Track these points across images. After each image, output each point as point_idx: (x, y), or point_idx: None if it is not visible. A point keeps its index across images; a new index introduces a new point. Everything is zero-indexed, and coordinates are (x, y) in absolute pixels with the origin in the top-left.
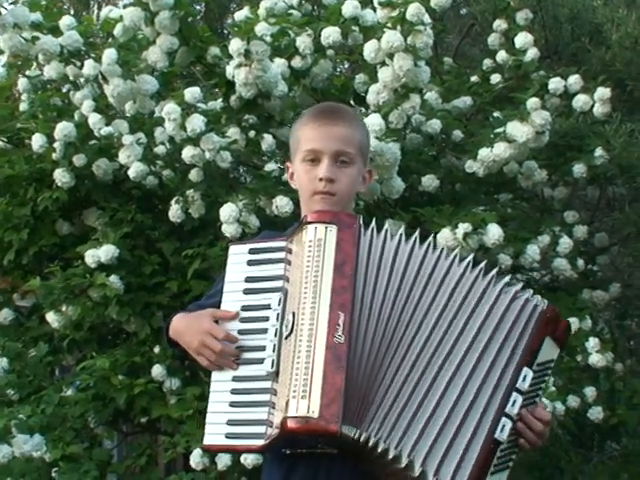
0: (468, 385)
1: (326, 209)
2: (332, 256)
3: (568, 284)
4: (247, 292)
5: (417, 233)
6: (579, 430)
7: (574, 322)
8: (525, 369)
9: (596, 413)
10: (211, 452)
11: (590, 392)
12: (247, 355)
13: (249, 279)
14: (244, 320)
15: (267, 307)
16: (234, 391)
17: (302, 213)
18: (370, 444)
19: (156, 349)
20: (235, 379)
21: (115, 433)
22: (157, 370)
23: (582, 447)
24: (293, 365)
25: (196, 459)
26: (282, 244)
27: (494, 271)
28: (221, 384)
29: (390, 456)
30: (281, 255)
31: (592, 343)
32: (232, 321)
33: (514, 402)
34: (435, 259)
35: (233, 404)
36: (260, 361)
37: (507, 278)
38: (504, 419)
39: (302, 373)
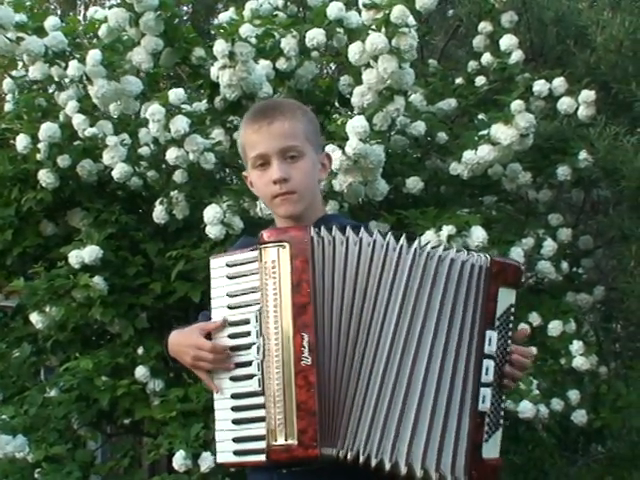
0: (436, 371)
1: (289, 211)
2: (288, 276)
3: (552, 287)
4: (231, 307)
5: (362, 228)
6: (563, 433)
7: (558, 325)
8: (489, 332)
9: (580, 416)
10: (227, 467)
11: (574, 395)
12: (239, 371)
13: (230, 294)
14: (232, 336)
15: (248, 322)
16: (234, 408)
17: (274, 218)
18: (350, 458)
19: (140, 350)
20: (233, 396)
21: (98, 434)
22: (140, 371)
23: (567, 450)
24: (270, 393)
25: (179, 461)
26: (254, 254)
27: (428, 246)
28: (222, 402)
29: (373, 464)
30: (254, 266)
31: (576, 346)
32: (222, 331)
33: (487, 369)
34: (383, 254)
35: (235, 421)
36: (250, 377)
37: (441, 247)
38: (483, 389)
39: (276, 402)
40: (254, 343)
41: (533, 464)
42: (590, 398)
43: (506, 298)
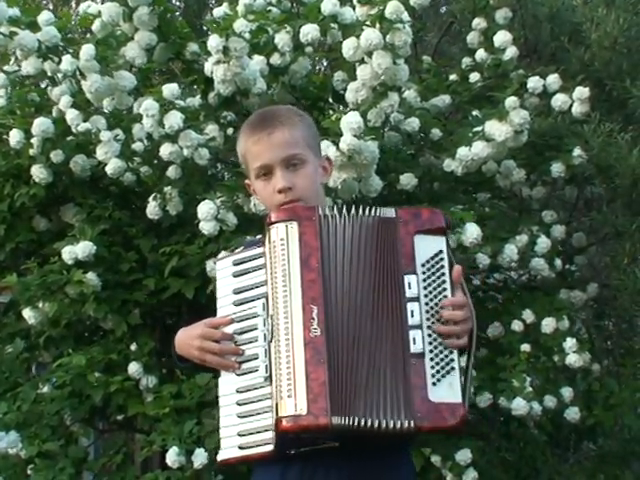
0: (373, 328)
1: (275, 209)
2: (297, 252)
3: (546, 284)
4: (237, 304)
5: (354, 207)
6: (556, 430)
7: (551, 322)
8: (407, 277)
9: (573, 413)
10: (228, 465)
11: (567, 392)
12: (245, 365)
13: (236, 291)
14: (238, 332)
15: (255, 315)
16: (240, 402)
17: None
18: (361, 425)
19: (133, 346)
20: (239, 390)
21: (91, 430)
22: (133, 368)
23: (559, 447)
24: (279, 365)
25: (172, 457)
26: (260, 250)
27: (361, 211)
28: (227, 398)
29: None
30: (261, 262)
31: (569, 343)
32: (228, 327)
33: (412, 312)
34: (357, 229)
35: (241, 415)
36: (256, 369)
37: (364, 210)
38: (412, 332)
39: (285, 373)
40: (262, 332)
41: (525, 461)
42: (583, 395)
43: (429, 244)
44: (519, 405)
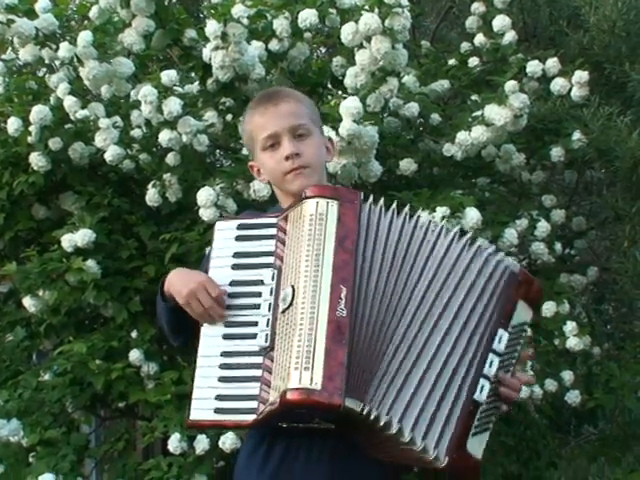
0: (448, 350)
1: (304, 185)
2: (334, 230)
3: (546, 268)
4: (236, 267)
5: (407, 209)
6: (556, 414)
7: (552, 306)
8: (500, 331)
9: (573, 397)
10: (197, 428)
11: (568, 376)
12: (237, 330)
13: (237, 254)
14: (233, 296)
15: (259, 282)
16: (223, 366)
17: (281, 202)
18: (371, 417)
19: (134, 334)
20: (224, 354)
21: (93, 418)
22: (135, 355)
23: (559, 431)
24: (294, 337)
25: (174, 443)
26: (273, 220)
27: (468, 236)
28: (208, 359)
29: (381, 423)
30: (272, 231)
31: (570, 327)
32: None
33: (491, 363)
34: (423, 232)
35: (222, 379)
36: (252, 336)
37: (480, 242)
38: (482, 380)
39: (305, 345)
40: (266, 302)
41: (526, 445)
42: (583, 379)
43: (523, 312)
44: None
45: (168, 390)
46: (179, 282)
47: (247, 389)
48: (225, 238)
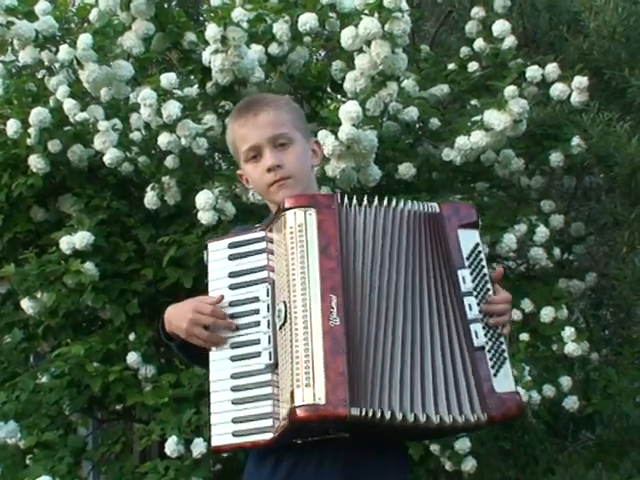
0: (432, 323)
1: (287, 196)
2: (315, 239)
3: (544, 273)
4: (233, 287)
5: (376, 198)
6: (554, 419)
7: (550, 311)
8: (460, 271)
9: (571, 402)
10: (221, 452)
11: (565, 381)
12: (242, 351)
13: (232, 274)
14: (234, 316)
15: (255, 300)
16: (234, 388)
17: (271, 210)
18: (386, 417)
19: (131, 336)
20: (234, 376)
21: (90, 420)
22: (132, 357)
23: (557, 436)
24: (292, 354)
25: (171, 446)
26: (261, 234)
27: (400, 203)
28: (220, 383)
29: (398, 419)
30: (262, 245)
31: (568, 332)
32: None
33: (470, 306)
34: (391, 220)
35: (235, 402)
36: (256, 355)
37: (401, 202)
38: (472, 326)
39: (303, 361)
40: (265, 319)
41: (523, 450)
42: (581, 384)
43: (468, 238)
44: None
45: (165, 393)
46: (174, 320)
47: (260, 408)
48: (218, 259)
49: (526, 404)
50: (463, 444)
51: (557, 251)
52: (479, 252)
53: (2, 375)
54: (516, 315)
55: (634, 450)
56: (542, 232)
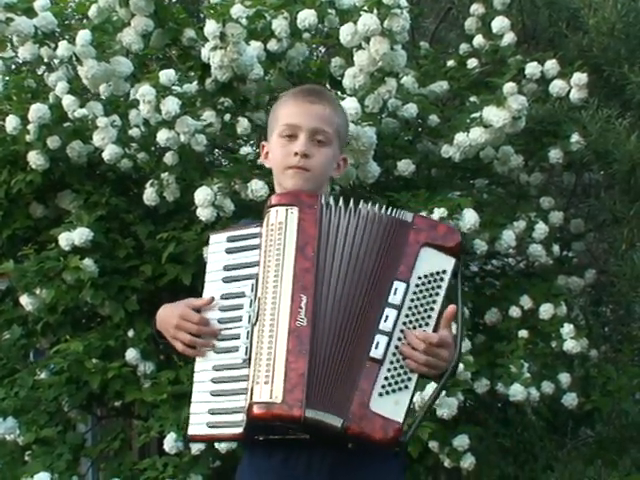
0: (355, 321)
1: (298, 185)
2: (294, 238)
3: (543, 270)
4: (226, 280)
5: (352, 202)
6: (553, 416)
7: (549, 308)
8: (396, 282)
9: (570, 399)
10: (196, 441)
11: (565, 378)
12: (225, 344)
13: (227, 267)
14: (223, 309)
15: (242, 295)
16: (215, 380)
17: (276, 191)
18: (338, 427)
19: (130, 333)
20: (215, 368)
21: (89, 417)
22: (131, 354)
23: (556, 433)
24: (258, 351)
25: (170, 443)
26: (257, 230)
27: (375, 208)
28: (203, 374)
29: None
30: (256, 241)
31: (567, 329)
32: (212, 309)
33: (387, 317)
34: (355, 223)
35: (214, 393)
36: (236, 349)
37: (376, 207)
38: (378, 336)
39: (265, 359)
40: (247, 313)
41: (522, 447)
42: (580, 381)
43: (435, 260)
44: (517, 391)
45: (164, 390)
46: (163, 323)
47: (235, 402)
48: (217, 251)
49: (409, 439)
50: (462, 441)
51: (556, 248)
52: (441, 279)
53: (1, 371)
54: (515, 312)
55: (633, 447)
56: (541, 229)
